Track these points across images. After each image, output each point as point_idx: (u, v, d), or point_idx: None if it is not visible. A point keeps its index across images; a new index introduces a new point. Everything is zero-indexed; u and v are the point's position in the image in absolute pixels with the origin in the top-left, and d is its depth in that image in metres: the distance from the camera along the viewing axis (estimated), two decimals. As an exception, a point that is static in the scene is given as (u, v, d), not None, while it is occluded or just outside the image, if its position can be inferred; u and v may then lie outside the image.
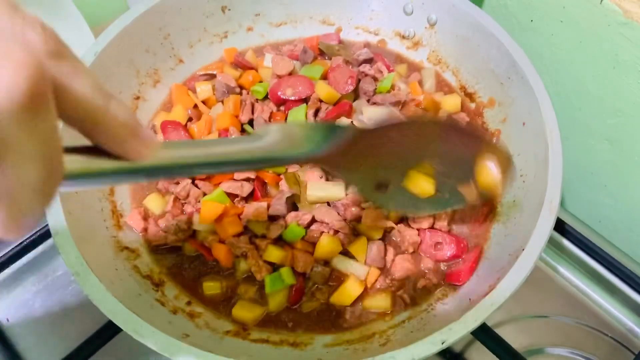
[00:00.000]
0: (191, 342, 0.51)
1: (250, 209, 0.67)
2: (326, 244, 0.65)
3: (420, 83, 0.83)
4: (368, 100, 0.79)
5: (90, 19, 0.91)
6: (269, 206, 0.68)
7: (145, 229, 0.69)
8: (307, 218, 0.66)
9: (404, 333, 0.60)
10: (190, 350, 0.50)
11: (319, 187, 0.68)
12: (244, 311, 0.63)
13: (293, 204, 0.69)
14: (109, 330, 0.60)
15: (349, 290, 0.64)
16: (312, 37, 0.88)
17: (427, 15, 0.84)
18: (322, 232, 0.66)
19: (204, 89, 0.80)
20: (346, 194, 0.68)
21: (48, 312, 0.72)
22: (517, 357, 0.61)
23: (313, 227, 0.66)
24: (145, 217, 0.70)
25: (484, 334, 0.63)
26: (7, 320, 0.72)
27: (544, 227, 0.57)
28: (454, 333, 0.50)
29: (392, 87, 0.80)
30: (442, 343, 0.49)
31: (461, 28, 0.79)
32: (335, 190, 0.68)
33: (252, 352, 0.59)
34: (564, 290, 0.78)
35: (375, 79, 0.81)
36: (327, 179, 0.70)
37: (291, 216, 0.67)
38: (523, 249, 0.56)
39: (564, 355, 0.71)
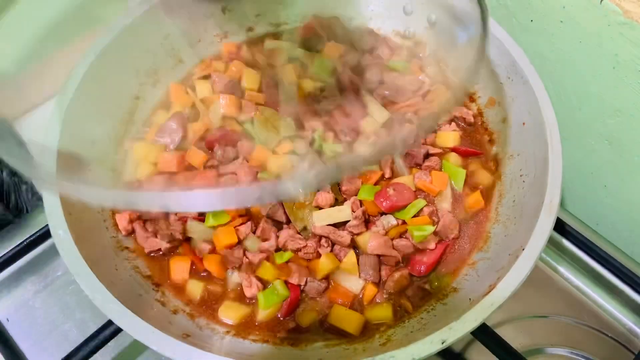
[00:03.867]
0: (192, 342, 0.51)
1: (248, 227, 0.67)
2: (326, 264, 0.64)
3: (422, 68, 0.83)
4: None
5: (90, 19, 0.91)
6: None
7: (130, 232, 0.68)
8: (301, 244, 0.65)
9: (404, 333, 0.60)
10: (191, 350, 0.50)
11: (324, 217, 0.66)
12: (230, 311, 0.63)
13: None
14: (109, 330, 0.60)
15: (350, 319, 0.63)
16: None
17: (427, 15, 0.84)
18: (317, 250, 0.65)
19: (202, 88, 0.80)
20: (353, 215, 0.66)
21: (48, 312, 0.72)
22: (517, 357, 0.61)
23: (309, 242, 0.65)
24: (131, 220, 0.68)
25: (484, 334, 0.63)
26: (7, 320, 0.72)
27: (544, 227, 0.57)
28: (454, 332, 0.50)
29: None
30: (442, 343, 0.50)
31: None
32: (341, 215, 0.66)
33: (253, 351, 0.59)
34: (564, 290, 0.78)
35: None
36: (334, 201, 0.68)
37: (284, 236, 0.66)
38: (523, 249, 0.56)
39: (564, 355, 0.71)
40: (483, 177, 0.74)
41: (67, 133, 0.65)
